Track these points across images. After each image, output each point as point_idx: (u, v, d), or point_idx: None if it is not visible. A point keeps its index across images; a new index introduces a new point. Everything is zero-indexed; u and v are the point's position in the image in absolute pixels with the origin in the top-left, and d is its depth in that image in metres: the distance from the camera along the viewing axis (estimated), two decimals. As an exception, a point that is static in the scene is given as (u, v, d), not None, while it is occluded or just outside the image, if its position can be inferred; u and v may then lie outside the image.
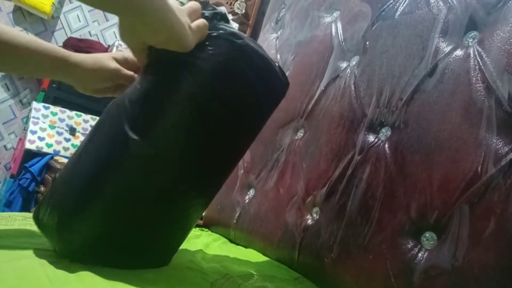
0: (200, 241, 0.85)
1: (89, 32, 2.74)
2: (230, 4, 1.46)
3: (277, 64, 0.60)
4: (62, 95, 2.27)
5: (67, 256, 0.50)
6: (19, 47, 0.58)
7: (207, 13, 0.53)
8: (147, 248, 0.55)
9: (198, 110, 0.51)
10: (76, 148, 0.56)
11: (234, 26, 1.50)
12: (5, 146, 2.54)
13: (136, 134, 0.49)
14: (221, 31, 0.52)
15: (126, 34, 0.47)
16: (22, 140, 2.30)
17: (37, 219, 0.52)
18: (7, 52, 0.58)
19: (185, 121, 0.51)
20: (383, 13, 0.75)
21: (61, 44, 2.44)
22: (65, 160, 1.91)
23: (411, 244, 0.57)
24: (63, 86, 2.28)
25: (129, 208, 0.50)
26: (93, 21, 2.76)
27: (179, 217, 0.56)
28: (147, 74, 0.53)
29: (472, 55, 0.57)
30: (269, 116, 0.64)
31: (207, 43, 0.51)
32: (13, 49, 0.58)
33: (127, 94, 0.52)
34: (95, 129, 0.54)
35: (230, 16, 1.48)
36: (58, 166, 1.79)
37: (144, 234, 0.53)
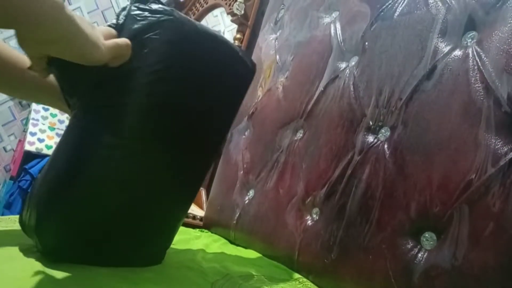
0: (200, 242, 0.86)
1: (89, 33, 2.74)
2: (229, 5, 1.46)
3: (237, 47, 0.60)
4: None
5: (48, 254, 0.49)
6: (14, 66, 0.54)
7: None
8: (127, 245, 0.54)
9: (153, 99, 0.50)
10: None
11: (233, 27, 1.50)
12: (4, 148, 2.54)
13: (105, 130, 0.49)
14: (159, 16, 0.49)
15: (26, 43, 0.43)
16: (21, 141, 2.30)
17: (21, 222, 0.52)
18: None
19: (144, 112, 0.50)
20: (382, 13, 0.75)
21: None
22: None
23: (411, 244, 0.57)
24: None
25: (99, 203, 0.50)
26: (93, 23, 2.77)
27: (155, 212, 0.55)
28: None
29: (471, 55, 0.58)
30: (238, 100, 0.63)
31: (143, 26, 0.49)
32: (7, 68, 0.54)
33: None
34: (66, 130, 0.53)
35: (229, 17, 1.48)
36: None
37: (120, 230, 0.53)
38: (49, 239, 0.49)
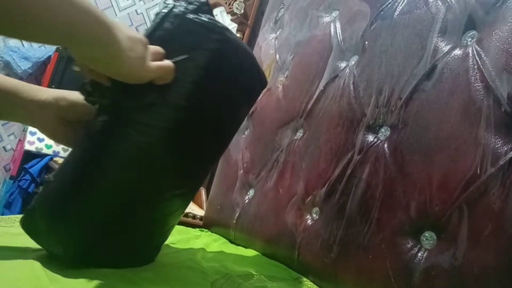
0: (200, 242, 0.86)
1: (88, 33, 2.74)
2: (229, 4, 1.46)
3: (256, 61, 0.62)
4: (62, 96, 2.26)
5: (62, 259, 0.49)
6: None
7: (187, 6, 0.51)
8: (131, 245, 0.54)
9: (186, 105, 0.51)
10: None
11: (233, 26, 1.50)
12: (4, 148, 2.54)
13: (119, 131, 0.49)
14: (212, 29, 0.52)
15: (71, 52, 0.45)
16: (21, 141, 2.30)
17: (27, 225, 0.51)
18: None
19: (171, 116, 0.51)
20: (382, 12, 0.75)
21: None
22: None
23: (411, 243, 0.57)
24: (62, 87, 2.28)
25: (106, 203, 0.50)
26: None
27: (160, 211, 0.56)
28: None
29: (471, 55, 0.57)
30: (247, 112, 0.67)
31: (197, 41, 0.51)
32: None
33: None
34: (84, 135, 0.54)
35: (229, 17, 1.48)
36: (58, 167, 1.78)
37: (129, 231, 0.53)
38: (62, 241, 0.49)
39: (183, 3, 0.52)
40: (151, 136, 0.50)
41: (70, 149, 0.56)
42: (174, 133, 0.51)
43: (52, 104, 0.54)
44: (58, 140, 0.59)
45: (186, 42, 0.51)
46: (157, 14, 0.53)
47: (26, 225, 0.51)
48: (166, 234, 0.61)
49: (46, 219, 0.49)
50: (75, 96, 0.55)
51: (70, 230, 0.49)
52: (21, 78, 2.45)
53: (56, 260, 0.48)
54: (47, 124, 0.55)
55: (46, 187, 0.52)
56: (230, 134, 0.64)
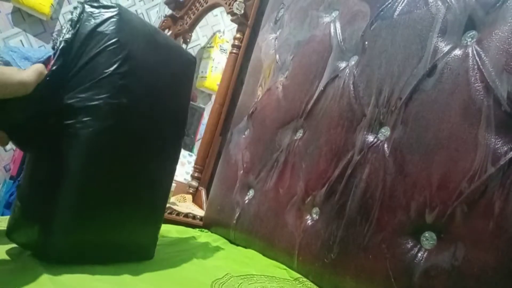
0: (200, 242, 0.86)
1: (88, 33, 2.74)
2: (229, 5, 1.46)
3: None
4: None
5: (55, 259, 0.48)
6: None
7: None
8: (119, 238, 0.55)
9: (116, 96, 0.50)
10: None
11: (233, 26, 1.50)
12: (4, 148, 2.54)
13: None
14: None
15: None
16: (21, 141, 2.30)
17: (15, 235, 0.51)
18: None
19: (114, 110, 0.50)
20: (382, 12, 0.75)
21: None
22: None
23: (411, 243, 0.57)
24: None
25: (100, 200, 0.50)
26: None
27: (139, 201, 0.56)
28: None
29: (470, 55, 0.58)
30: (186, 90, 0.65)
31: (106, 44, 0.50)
32: None
33: None
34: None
35: (229, 17, 1.48)
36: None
37: (114, 225, 0.53)
38: (56, 242, 0.48)
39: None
40: (94, 126, 0.49)
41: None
42: (111, 122, 0.50)
43: None
44: None
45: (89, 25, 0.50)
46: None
47: (14, 237, 0.51)
48: (155, 225, 0.60)
49: (30, 222, 0.49)
50: None
51: (55, 229, 0.48)
52: (21, 78, 2.45)
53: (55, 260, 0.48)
54: None
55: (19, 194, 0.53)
56: (181, 112, 0.62)
